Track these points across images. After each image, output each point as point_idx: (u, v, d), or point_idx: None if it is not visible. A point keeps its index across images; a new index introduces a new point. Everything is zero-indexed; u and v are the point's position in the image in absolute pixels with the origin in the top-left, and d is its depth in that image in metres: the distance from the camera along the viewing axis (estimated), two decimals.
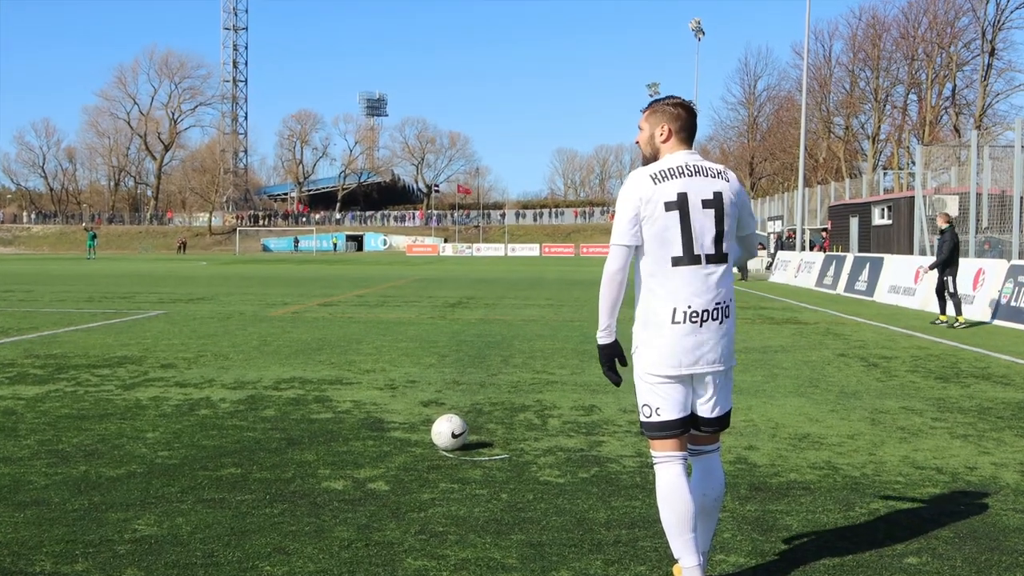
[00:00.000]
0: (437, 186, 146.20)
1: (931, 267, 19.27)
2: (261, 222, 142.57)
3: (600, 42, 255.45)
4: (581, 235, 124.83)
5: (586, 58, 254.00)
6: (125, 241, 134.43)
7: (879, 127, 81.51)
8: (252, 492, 6.19)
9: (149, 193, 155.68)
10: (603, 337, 4.61)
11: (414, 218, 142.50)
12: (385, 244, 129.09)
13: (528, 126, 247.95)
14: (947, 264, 18.95)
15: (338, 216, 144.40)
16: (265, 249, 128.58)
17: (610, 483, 6.49)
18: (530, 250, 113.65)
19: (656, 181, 4.33)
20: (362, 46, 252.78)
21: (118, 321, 18.63)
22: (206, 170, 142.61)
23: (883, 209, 40.64)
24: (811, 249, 45.08)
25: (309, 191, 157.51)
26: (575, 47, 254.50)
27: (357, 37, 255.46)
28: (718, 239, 4.34)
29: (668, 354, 4.38)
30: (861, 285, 28.48)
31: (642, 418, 4.53)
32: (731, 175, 4.50)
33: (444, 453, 7.32)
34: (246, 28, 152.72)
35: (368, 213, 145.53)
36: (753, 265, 46.03)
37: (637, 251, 4.39)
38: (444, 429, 7.37)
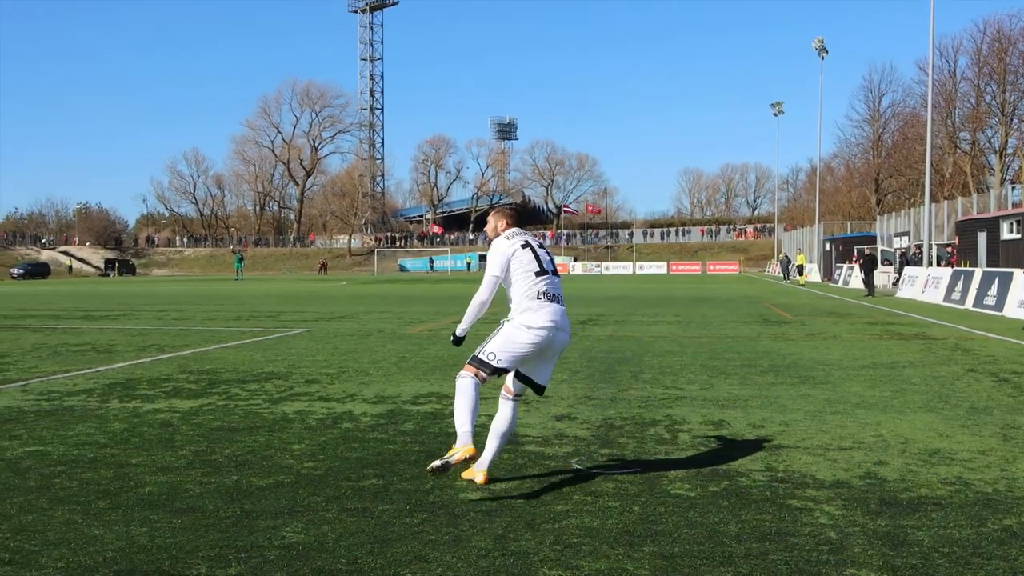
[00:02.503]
0: (567, 206, 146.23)
1: None
2: (398, 243, 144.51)
3: (724, 63, 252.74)
4: (708, 252, 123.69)
5: (711, 78, 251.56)
6: (270, 263, 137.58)
7: (1006, 141, 79.06)
8: (393, 502, 6.27)
9: (292, 217, 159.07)
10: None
11: (544, 238, 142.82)
12: None
13: (654, 147, 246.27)
14: None
15: (471, 236, 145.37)
16: (402, 269, 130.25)
17: (740, 496, 6.41)
18: (657, 268, 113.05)
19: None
20: (492, 72, 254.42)
21: (265, 338, 19.05)
22: (345, 194, 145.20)
23: (1012, 223, 39.36)
24: (938, 264, 43.93)
25: (443, 213, 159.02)
26: (700, 68, 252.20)
27: (488, 64, 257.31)
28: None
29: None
30: (990, 300, 27.60)
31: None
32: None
33: (575, 465, 7.31)
34: (382, 58, 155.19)
35: None
36: (880, 281, 45.05)
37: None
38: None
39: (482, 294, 6.84)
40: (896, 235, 58.13)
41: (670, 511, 6.05)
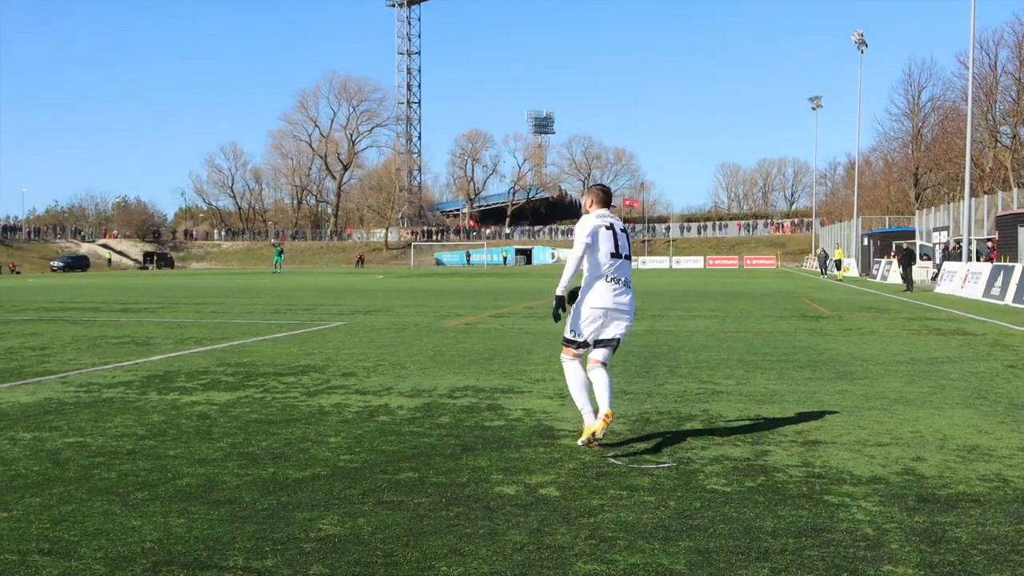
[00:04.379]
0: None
1: None
2: (434, 237, 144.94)
3: (762, 56, 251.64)
4: (745, 247, 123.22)
5: (748, 72, 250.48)
6: (307, 256, 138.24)
7: None
8: (429, 495, 6.28)
9: (329, 211, 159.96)
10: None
11: None
12: (553, 258, 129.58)
13: (691, 141, 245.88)
14: None
15: (507, 231, 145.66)
16: (438, 263, 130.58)
17: (776, 492, 6.37)
18: (694, 262, 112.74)
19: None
20: (529, 66, 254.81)
21: (302, 332, 19.14)
22: (382, 188, 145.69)
23: None
24: (978, 259, 43.50)
25: (480, 207, 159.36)
26: (737, 61, 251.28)
27: (524, 58, 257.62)
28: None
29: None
30: None
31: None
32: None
33: (611, 459, 7.30)
34: (419, 52, 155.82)
35: (536, 228, 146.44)
36: (919, 276, 44.67)
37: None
38: None
39: (574, 256, 7.83)
40: (935, 230, 57.60)
41: (706, 506, 6.03)
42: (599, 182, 7.62)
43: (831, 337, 17.87)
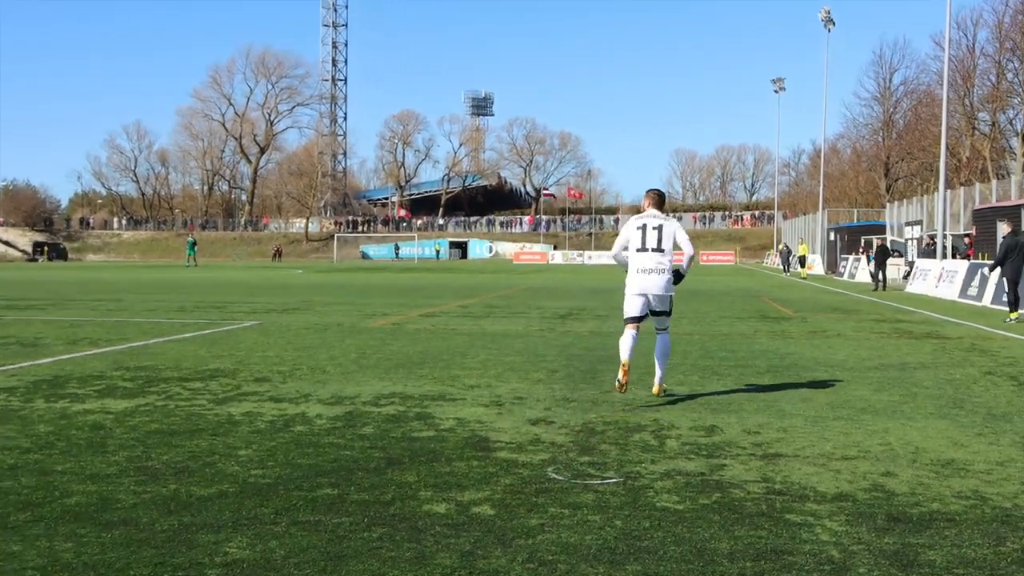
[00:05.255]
0: (547, 189, 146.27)
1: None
2: (360, 228, 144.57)
3: (721, 35, 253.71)
4: (701, 241, 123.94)
5: (706, 52, 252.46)
6: (219, 248, 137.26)
7: None
8: (349, 515, 6.21)
9: (244, 198, 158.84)
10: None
11: (522, 224, 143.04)
12: (491, 251, 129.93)
13: (644, 126, 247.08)
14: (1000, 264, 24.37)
15: (441, 222, 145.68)
16: (364, 257, 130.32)
17: (733, 511, 6.39)
18: None
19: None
20: (467, 43, 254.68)
21: (211, 332, 18.97)
22: (303, 173, 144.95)
23: None
24: (953, 257, 44.14)
25: (411, 195, 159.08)
26: (694, 41, 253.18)
27: (462, 34, 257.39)
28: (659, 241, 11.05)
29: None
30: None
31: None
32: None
33: (551, 474, 7.28)
34: (346, 24, 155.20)
35: (473, 219, 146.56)
36: (890, 275, 45.23)
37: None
38: None
39: (614, 248, 11.45)
40: (907, 224, 58.32)
41: (656, 526, 6.02)
42: (657, 188, 11.06)
43: (794, 340, 18.03)
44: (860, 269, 53.49)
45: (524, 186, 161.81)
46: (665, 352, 11.41)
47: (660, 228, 11.09)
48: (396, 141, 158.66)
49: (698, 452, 8.17)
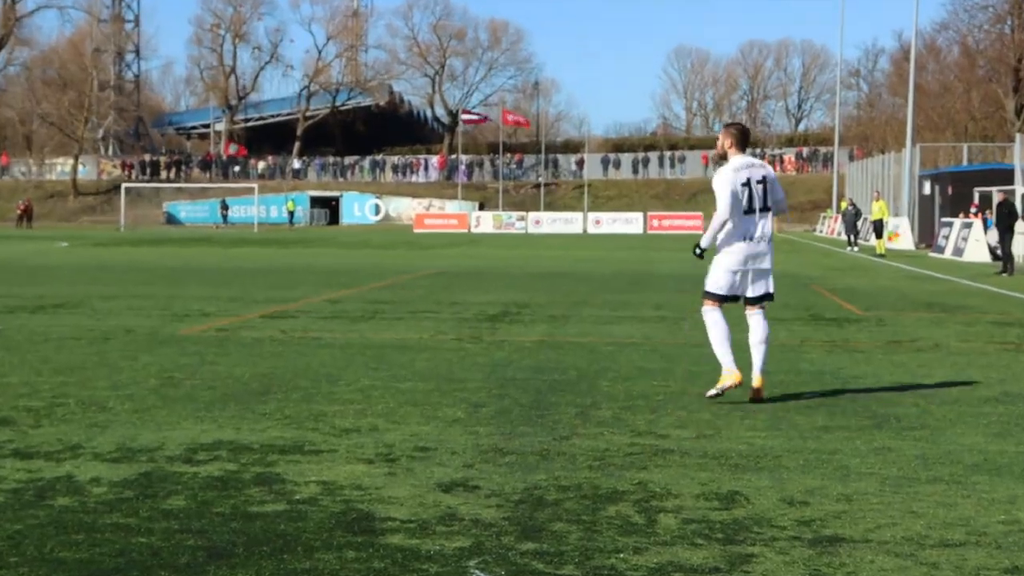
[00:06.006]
0: (469, 111, 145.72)
1: None
2: (164, 174, 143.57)
3: None
4: (713, 197, 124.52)
5: None
6: None
7: None
8: None
9: None
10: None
11: (427, 169, 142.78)
12: (377, 212, 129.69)
13: (624, 11, 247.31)
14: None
15: (297, 165, 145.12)
16: (171, 220, 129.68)
17: None
18: (627, 223, 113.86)
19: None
20: None
21: None
22: (67, 84, 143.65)
23: None
24: None
25: (247, 121, 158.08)
26: None
27: None
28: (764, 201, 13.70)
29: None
30: None
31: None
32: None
33: (475, 573, 7.30)
34: None
35: (349, 160, 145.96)
36: (1021, 249, 45.62)
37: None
38: None
39: (720, 217, 13.55)
40: None
41: None
42: (735, 121, 15.32)
43: (864, 356, 18.19)
44: (973, 240, 53.84)
45: (431, 108, 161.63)
46: (769, 335, 14.11)
47: (764, 181, 13.64)
48: (221, 32, 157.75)
49: (710, 535, 8.20)
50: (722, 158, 14.41)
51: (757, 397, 13.59)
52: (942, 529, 8.38)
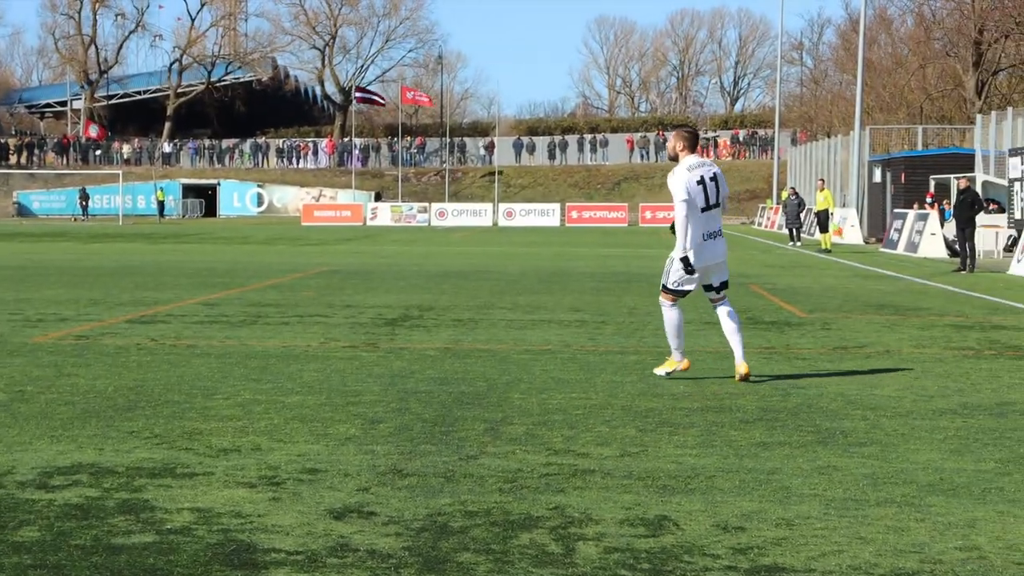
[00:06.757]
0: (364, 89, 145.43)
1: None
2: (13, 158, 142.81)
3: None
4: (642, 186, 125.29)
5: None
6: None
7: None
8: None
9: None
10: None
11: (317, 154, 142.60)
12: (260, 203, 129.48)
13: None
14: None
15: (167, 148, 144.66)
16: (22, 212, 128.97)
17: None
18: (542, 215, 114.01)
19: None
20: None
21: None
22: None
23: None
24: None
25: (110, 98, 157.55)
26: None
27: None
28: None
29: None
30: None
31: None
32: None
33: None
34: None
35: (227, 143, 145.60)
36: (982, 244, 45.92)
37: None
38: None
39: (681, 217, 15.45)
40: (1014, 153, 59.23)
41: None
42: (685, 125, 19.08)
43: (807, 363, 18.34)
44: (929, 234, 54.14)
45: (321, 84, 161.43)
46: (739, 321, 16.80)
47: (716, 178, 15.97)
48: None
49: (635, 565, 8.22)
50: (672, 159, 16.58)
51: (746, 379, 16.06)
52: (893, 557, 8.44)
